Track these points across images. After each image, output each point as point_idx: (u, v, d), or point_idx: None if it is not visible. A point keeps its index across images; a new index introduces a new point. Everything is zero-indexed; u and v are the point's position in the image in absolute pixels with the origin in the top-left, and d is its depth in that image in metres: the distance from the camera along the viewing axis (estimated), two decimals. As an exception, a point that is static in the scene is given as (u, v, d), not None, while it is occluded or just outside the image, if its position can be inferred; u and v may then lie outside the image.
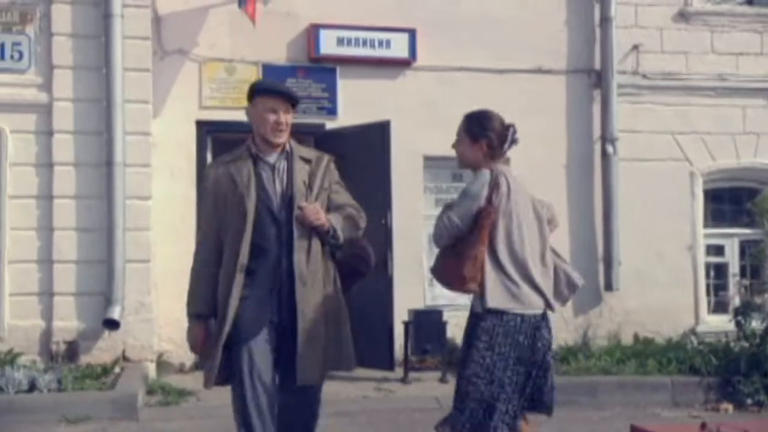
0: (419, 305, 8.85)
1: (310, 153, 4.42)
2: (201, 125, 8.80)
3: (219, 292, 4.18)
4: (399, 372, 8.31)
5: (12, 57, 7.81)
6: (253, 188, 4.19)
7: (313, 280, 4.17)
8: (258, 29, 8.58)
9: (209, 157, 8.90)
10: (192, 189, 8.69)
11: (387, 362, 8.22)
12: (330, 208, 4.30)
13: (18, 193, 7.88)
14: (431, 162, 9.28)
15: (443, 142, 9.34)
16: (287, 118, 4.27)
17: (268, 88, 4.39)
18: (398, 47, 9.15)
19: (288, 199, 4.20)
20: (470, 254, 4.07)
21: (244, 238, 4.12)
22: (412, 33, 9.16)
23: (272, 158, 4.28)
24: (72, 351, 7.82)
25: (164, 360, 8.53)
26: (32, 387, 6.90)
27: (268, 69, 8.90)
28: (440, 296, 9.39)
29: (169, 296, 8.26)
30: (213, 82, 8.80)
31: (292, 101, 4.31)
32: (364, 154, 8.43)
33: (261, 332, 4.11)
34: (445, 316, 8.37)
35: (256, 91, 4.35)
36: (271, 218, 4.19)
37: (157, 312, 8.15)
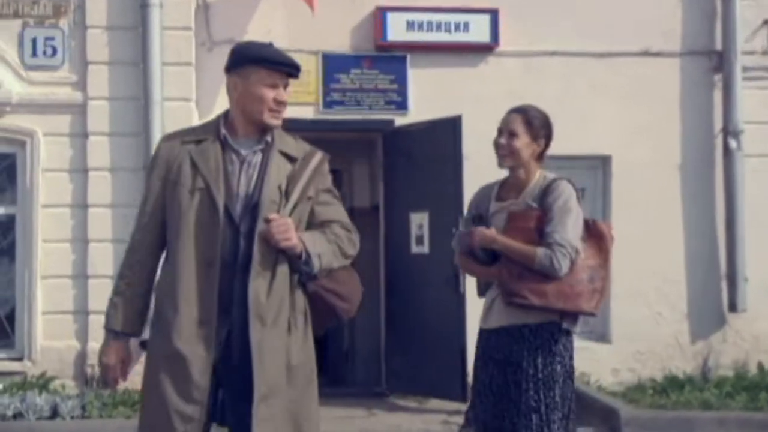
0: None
1: (297, 148, 3.69)
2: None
3: (161, 304, 3.55)
4: (472, 404, 7.89)
5: (45, 53, 7.79)
6: (222, 181, 3.53)
7: (276, 318, 3.50)
8: (318, 14, 8.32)
9: (264, 160, 8.69)
10: (244, 194, 8.51)
11: (458, 391, 7.83)
12: (311, 223, 3.65)
13: (51, 202, 7.85)
14: (518, 162, 8.81)
15: (532, 138, 8.96)
16: (287, 96, 3.64)
17: (268, 57, 3.58)
18: (478, 30, 8.74)
19: (253, 206, 3.53)
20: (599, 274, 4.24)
21: (214, 238, 3.47)
22: (493, 14, 8.75)
23: (245, 148, 3.60)
24: (108, 375, 7.70)
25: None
26: (54, 413, 6.88)
27: (329, 59, 8.66)
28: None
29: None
30: (268, 75, 8.55)
31: (296, 74, 3.65)
32: (432, 155, 8.09)
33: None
34: (524, 339, 7.90)
35: (248, 59, 3.59)
36: (231, 227, 3.52)
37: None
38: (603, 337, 8.98)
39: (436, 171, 8.10)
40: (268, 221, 3.49)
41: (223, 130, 3.61)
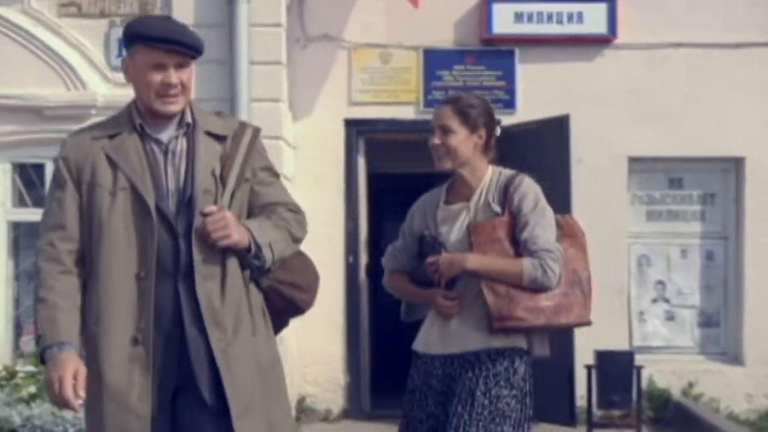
0: (622, 345, 8.24)
1: (224, 125, 3.46)
2: (350, 124, 8.68)
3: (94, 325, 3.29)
4: (582, 429, 7.78)
5: (131, 53, 7.93)
6: (148, 177, 3.31)
7: (236, 323, 3.31)
8: (419, 7, 8.27)
9: (361, 163, 8.74)
10: (340, 200, 8.62)
11: (566, 415, 7.69)
12: (253, 206, 3.44)
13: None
14: (639, 164, 8.68)
15: (655, 139, 8.79)
16: (183, 77, 3.33)
17: (147, 33, 3.31)
18: (593, 21, 8.59)
19: (187, 201, 3.31)
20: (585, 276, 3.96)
21: (147, 245, 3.26)
22: (610, 2, 8.61)
23: (165, 135, 3.37)
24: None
25: (307, 405, 8.46)
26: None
27: (430, 55, 8.65)
28: (654, 335, 8.76)
29: (315, 331, 8.16)
30: (365, 72, 8.62)
31: (188, 51, 3.33)
32: (540, 157, 7.93)
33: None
34: (640, 359, 7.79)
35: (132, 37, 3.35)
36: (166, 228, 3.30)
37: (299, 349, 8.04)
38: (735, 358, 8.71)
39: (543, 175, 7.90)
40: (204, 215, 3.27)
41: (138, 119, 3.37)
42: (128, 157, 3.32)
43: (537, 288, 3.82)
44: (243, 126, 3.51)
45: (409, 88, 8.60)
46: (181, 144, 3.39)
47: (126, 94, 7.63)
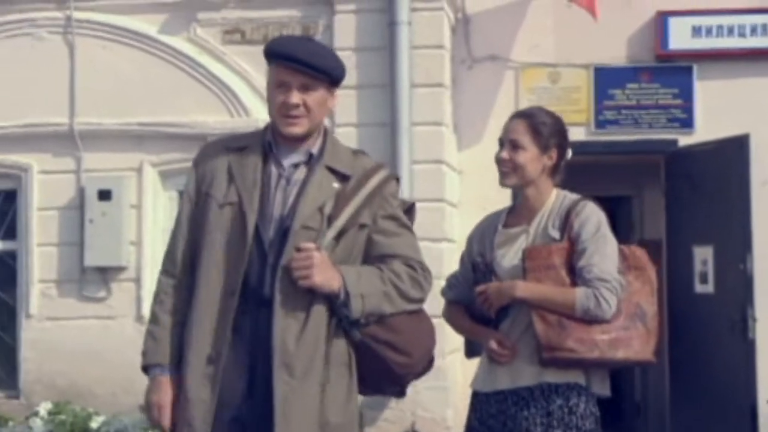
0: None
1: (352, 164, 3.32)
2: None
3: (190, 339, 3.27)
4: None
5: (293, 78, 7.93)
6: (257, 197, 3.24)
7: (307, 370, 3.14)
8: (590, 23, 7.98)
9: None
10: (507, 227, 8.30)
11: (749, 460, 7.21)
12: (369, 256, 3.27)
13: (297, 234, 7.98)
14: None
15: None
16: (308, 99, 3.23)
17: (276, 51, 3.28)
18: (778, 33, 8.05)
19: (284, 231, 3.21)
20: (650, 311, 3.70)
21: (238, 264, 3.19)
22: (797, 13, 8.02)
23: (289, 160, 3.29)
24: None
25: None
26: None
27: (602, 73, 8.31)
28: None
29: (474, 360, 7.92)
30: (533, 92, 8.34)
31: (312, 72, 3.22)
32: (718, 180, 7.52)
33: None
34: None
35: (266, 55, 3.34)
36: (259, 253, 3.22)
37: (455, 379, 7.82)
38: None
39: (721, 199, 7.51)
40: (297, 250, 3.14)
41: (269, 137, 3.32)
42: (245, 172, 3.27)
43: (590, 319, 3.56)
44: (376, 168, 3.37)
45: (579, 108, 8.27)
46: (300, 173, 3.30)
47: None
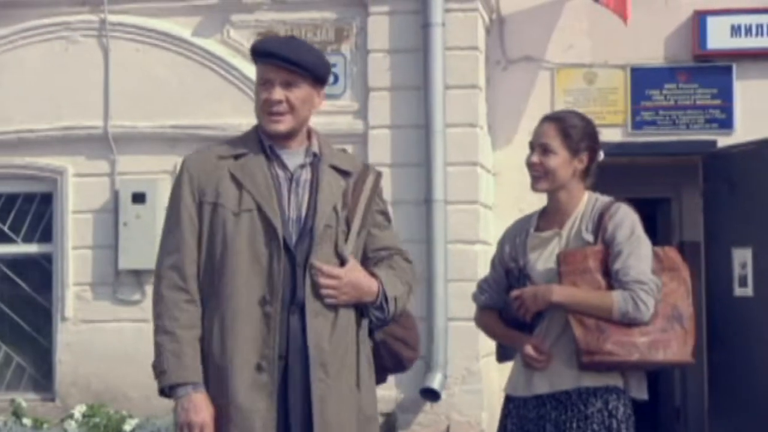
0: None
1: (350, 161, 3.44)
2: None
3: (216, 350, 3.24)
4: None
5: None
6: (275, 200, 3.26)
7: (340, 368, 3.23)
8: (628, 23, 7.90)
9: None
10: (542, 229, 8.23)
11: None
12: (367, 250, 3.37)
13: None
14: None
15: None
16: (291, 95, 3.27)
17: (256, 49, 3.35)
18: (820, 31, 7.94)
19: (308, 231, 3.25)
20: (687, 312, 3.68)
21: (273, 269, 3.20)
22: (840, 9, 7.90)
23: (292, 161, 3.32)
24: (390, 424, 7.70)
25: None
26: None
27: (639, 73, 8.22)
28: None
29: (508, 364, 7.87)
30: (569, 93, 8.27)
31: (291, 67, 3.24)
32: (758, 181, 7.40)
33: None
34: None
35: (251, 54, 3.43)
36: (288, 256, 3.24)
37: (489, 382, 7.76)
38: None
39: (761, 200, 7.40)
40: (315, 268, 3.21)
41: (268, 141, 3.33)
42: (255, 179, 3.26)
43: (629, 322, 3.54)
44: (366, 167, 3.47)
45: (615, 109, 8.18)
46: (306, 174, 3.33)
47: (322, 122, 7.61)
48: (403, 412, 7.74)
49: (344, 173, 3.37)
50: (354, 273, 3.26)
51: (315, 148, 3.38)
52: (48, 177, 8.12)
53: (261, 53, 3.30)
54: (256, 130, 3.40)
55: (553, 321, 3.70)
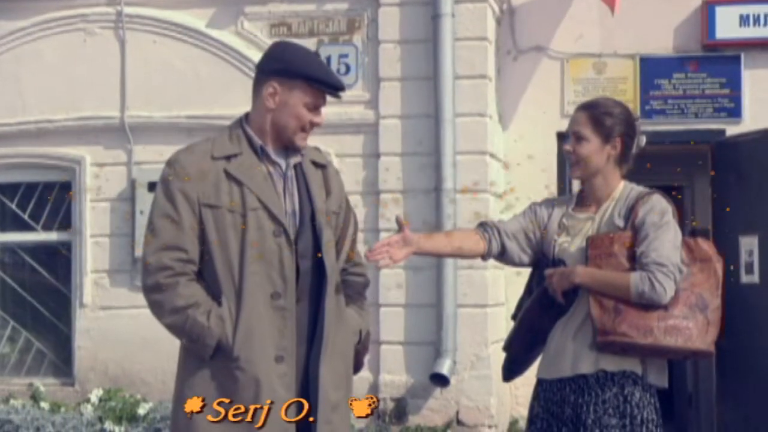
0: None
1: (321, 156, 3.69)
2: (563, 138, 8.30)
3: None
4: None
5: (339, 71, 8.01)
6: (277, 198, 3.47)
7: (335, 345, 3.50)
8: (635, 13, 7.97)
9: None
10: (552, 218, 8.30)
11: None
12: (339, 243, 3.61)
13: (343, 226, 8.06)
14: None
15: None
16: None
17: (319, 77, 3.47)
18: (829, 21, 7.95)
19: (307, 222, 3.48)
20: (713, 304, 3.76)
21: (284, 263, 3.39)
22: None
23: (284, 160, 3.53)
24: (400, 410, 7.82)
25: (519, 429, 8.18)
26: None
27: (648, 63, 8.26)
28: None
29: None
30: (578, 83, 8.33)
31: (338, 97, 3.58)
32: (764, 170, 7.43)
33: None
34: None
35: (298, 73, 3.44)
36: (291, 250, 3.44)
37: (498, 369, 7.81)
38: None
39: (765, 194, 7.42)
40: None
41: (259, 141, 3.48)
42: (255, 179, 3.41)
43: (647, 303, 3.60)
44: (327, 158, 3.76)
45: (625, 98, 8.12)
46: (292, 172, 3.54)
47: (334, 112, 7.73)
48: (413, 397, 7.84)
49: (320, 166, 3.61)
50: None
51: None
52: (67, 166, 8.29)
53: (330, 86, 3.49)
54: (241, 126, 3.51)
55: (581, 303, 3.79)
